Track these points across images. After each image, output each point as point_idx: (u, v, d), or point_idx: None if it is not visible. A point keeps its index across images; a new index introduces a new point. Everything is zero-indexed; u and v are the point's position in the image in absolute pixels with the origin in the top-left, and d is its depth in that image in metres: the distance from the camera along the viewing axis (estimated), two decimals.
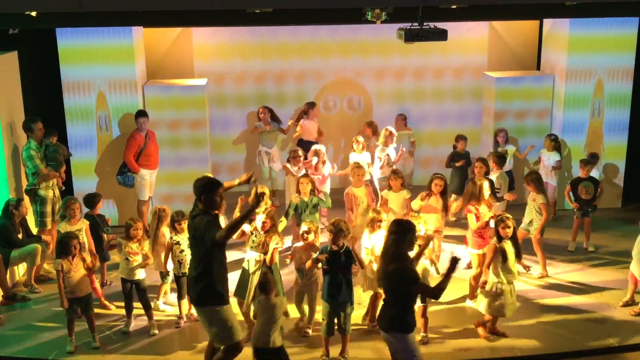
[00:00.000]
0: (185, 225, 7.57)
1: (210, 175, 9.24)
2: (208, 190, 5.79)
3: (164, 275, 7.82)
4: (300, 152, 9.65)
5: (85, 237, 7.97)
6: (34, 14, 8.05)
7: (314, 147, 9.81)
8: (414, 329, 5.71)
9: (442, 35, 7.88)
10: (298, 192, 8.38)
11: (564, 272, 8.81)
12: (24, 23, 8.71)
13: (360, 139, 10.15)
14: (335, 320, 6.73)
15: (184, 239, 7.51)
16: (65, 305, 6.95)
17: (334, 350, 6.81)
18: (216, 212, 5.93)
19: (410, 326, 5.65)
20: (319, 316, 7.03)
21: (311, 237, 7.24)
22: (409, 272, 5.59)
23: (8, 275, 8.32)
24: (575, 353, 6.92)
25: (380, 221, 7.24)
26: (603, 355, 6.85)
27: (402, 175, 8.75)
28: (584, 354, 6.83)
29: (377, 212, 7.42)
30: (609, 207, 10.83)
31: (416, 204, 8.32)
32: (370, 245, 7.21)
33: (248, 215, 5.87)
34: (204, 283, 5.75)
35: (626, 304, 7.83)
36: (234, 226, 5.77)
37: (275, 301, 6.19)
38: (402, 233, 5.64)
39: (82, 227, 7.99)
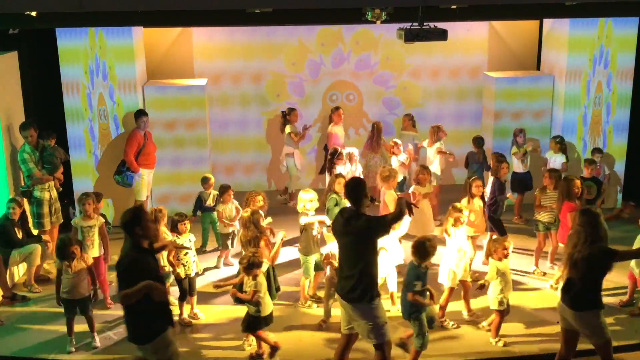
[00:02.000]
0: (188, 225, 7.54)
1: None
2: (361, 191, 5.92)
3: (165, 275, 7.80)
4: (344, 153, 9.69)
5: (98, 234, 8.00)
6: (34, 14, 8.05)
7: (346, 150, 9.84)
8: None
9: (442, 35, 7.88)
10: (333, 190, 8.34)
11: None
12: (24, 23, 8.71)
13: (398, 140, 10.29)
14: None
15: (187, 240, 7.48)
16: (59, 304, 7.07)
17: None
18: None
19: (602, 303, 5.96)
20: None
21: None
22: (608, 249, 5.87)
23: (8, 275, 8.32)
24: (575, 353, 6.91)
25: (462, 216, 7.38)
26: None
27: (429, 170, 9.09)
28: (584, 354, 6.81)
29: (458, 209, 7.47)
30: (609, 207, 10.83)
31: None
32: (456, 240, 7.38)
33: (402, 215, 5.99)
34: (363, 280, 5.85)
35: (625, 304, 7.83)
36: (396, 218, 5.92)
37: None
38: (592, 221, 5.85)
39: (95, 223, 8.00)
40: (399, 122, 11.69)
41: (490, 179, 9.16)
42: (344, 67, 11.86)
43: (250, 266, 6.61)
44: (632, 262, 7.71)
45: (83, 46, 9.98)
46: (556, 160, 10.30)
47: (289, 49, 11.71)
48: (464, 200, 8.22)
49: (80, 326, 7.17)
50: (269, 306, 6.80)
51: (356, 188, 5.95)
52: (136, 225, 5.38)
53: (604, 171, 10.42)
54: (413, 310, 6.49)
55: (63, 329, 7.21)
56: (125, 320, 5.59)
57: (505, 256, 7.03)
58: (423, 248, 6.49)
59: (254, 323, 6.76)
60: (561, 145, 10.33)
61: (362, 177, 9.52)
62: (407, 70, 11.95)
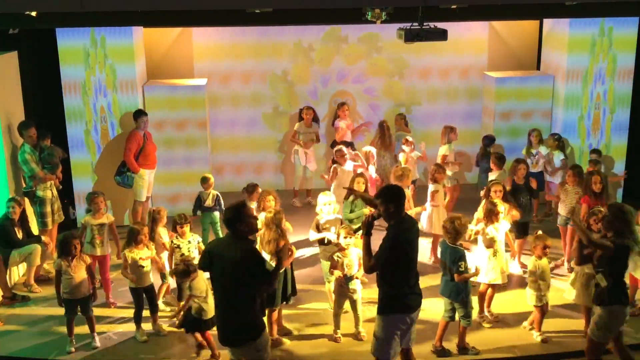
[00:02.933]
0: (187, 228, 7.50)
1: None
2: (401, 198, 5.76)
3: (164, 275, 7.80)
4: (346, 151, 9.65)
5: (111, 231, 8.08)
6: (34, 14, 8.05)
7: (364, 148, 9.79)
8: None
9: (442, 35, 7.88)
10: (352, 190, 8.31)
11: (563, 271, 8.81)
12: (24, 23, 8.70)
13: (410, 138, 10.22)
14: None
15: (184, 243, 7.43)
16: (61, 305, 7.03)
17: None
18: None
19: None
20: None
21: (351, 241, 7.15)
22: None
23: (8, 275, 8.32)
24: (576, 353, 6.92)
25: (499, 212, 7.42)
26: (603, 355, 6.83)
27: (444, 168, 9.08)
28: (584, 354, 6.82)
29: (493, 204, 7.51)
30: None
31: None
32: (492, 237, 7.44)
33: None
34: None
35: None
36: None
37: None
38: (622, 217, 5.99)
39: (106, 221, 8.03)
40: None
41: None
42: (342, 76, 11.91)
43: (182, 275, 6.70)
44: (631, 265, 7.67)
45: (83, 46, 9.99)
46: (554, 157, 10.30)
47: (289, 49, 11.70)
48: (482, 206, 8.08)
49: (80, 326, 7.17)
50: (212, 310, 6.68)
51: (400, 194, 5.77)
52: (238, 221, 5.35)
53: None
54: (460, 292, 6.70)
55: (63, 329, 7.21)
56: (223, 323, 5.45)
57: (545, 254, 7.10)
58: (453, 227, 6.67)
59: (194, 323, 6.78)
60: (559, 142, 10.33)
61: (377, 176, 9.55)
62: (406, 71, 11.95)
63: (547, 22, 11.32)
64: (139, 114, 9.85)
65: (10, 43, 9.55)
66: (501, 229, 7.61)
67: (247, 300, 5.33)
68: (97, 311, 7.46)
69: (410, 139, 10.26)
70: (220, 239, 5.81)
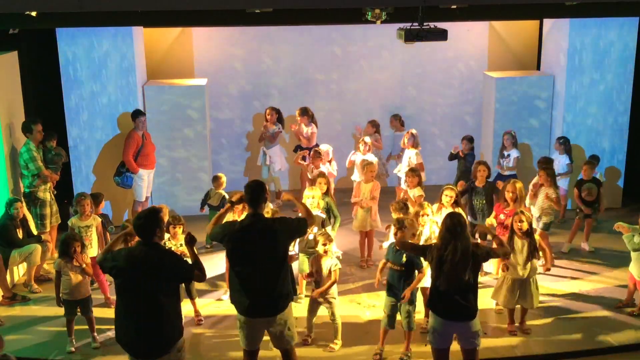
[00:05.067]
0: (179, 230, 7.46)
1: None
2: (255, 194, 5.71)
3: None
4: (323, 153, 9.61)
5: (96, 234, 8.03)
6: (34, 14, 8.05)
7: (321, 146, 9.78)
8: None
9: (442, 35, 7.87)
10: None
11: (563, 272, 8.82)
12: (24, 23, 8.71)
13: (367, 139, 10.07)
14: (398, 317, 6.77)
15: (176, 245, 7.38)
16: (60, 305, 7.03)
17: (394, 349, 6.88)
18: None
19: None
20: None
21: (328, 248, 6.97)
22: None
23: (8, 275, 8.33)
24: (575, 353, 6.93)
25: (426, 215, 7.33)
26: (603, 355, 6.86)
27: (419, 173, 8.88)
28: (584, 354, 6.83)
29: (421, 206, 7.51)
30: (609, 207, 10.82)
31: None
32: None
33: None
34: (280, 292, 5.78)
35: (625, 305, 7.82)
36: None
37: None
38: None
39: (92, 223, 8.03)
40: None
41: None
42: (341, 76, 11.91)
43: None
44: (631, 265, 7.69)
45: (83, 46, 9.98)
46: (561, 161, 10.26)
47: (288, 49, 11.71)
48: (435, 206, 7.93)
49: (80, 326, 7.18)
50: None
51: (255, 190, 5.70)
52: (157, 227, 5.31)
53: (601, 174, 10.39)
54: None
55: (63, 329, 7.21)
56: (147, 332, 5.30)
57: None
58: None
59: None
60: (565, 146, 10.28)
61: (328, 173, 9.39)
62: (406, 71, 11.96)
63: (547, 22, 11.32)
64: (137, 115, 9.85)
65: (10, 43, 9.55)
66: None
67: (172, 303, 5.33)
68: (97, 311, 7.46)
69: (368, 140, 9.99)
70: (126, 250, 5.62)
